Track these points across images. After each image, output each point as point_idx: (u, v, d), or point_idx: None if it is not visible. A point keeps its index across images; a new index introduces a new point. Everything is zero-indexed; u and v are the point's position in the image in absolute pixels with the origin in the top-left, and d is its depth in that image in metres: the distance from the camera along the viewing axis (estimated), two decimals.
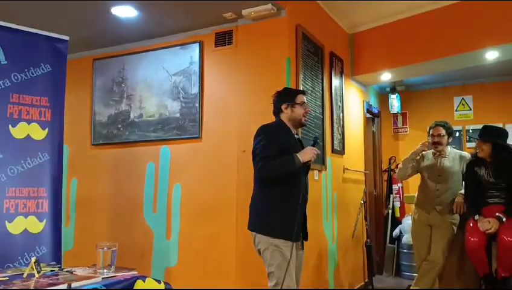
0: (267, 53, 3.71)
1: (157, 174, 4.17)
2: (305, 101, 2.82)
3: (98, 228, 4.40)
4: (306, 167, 2.66)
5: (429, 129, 3.93)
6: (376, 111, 5.94)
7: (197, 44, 4.02)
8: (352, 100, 5.09)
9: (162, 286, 2.09)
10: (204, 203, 3.87)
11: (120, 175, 4.39)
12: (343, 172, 4.68)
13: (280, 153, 2.58)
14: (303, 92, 2.86)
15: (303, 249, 2.78)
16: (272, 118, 2.84)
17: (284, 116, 2.78)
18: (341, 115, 4.64)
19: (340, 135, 4.58)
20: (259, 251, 2.66)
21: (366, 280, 5.12)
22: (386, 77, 5.19)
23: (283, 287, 2.52)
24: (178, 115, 4.06)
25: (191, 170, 3.98)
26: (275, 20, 3.69)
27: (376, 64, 4.96)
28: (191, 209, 3.96)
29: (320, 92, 4.16)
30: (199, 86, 3.98)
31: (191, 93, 4.02)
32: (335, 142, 4.42)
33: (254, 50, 3.78)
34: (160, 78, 4.19)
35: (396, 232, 5.75)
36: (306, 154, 2.59)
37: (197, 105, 3.97)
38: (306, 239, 2.80)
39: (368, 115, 5.66)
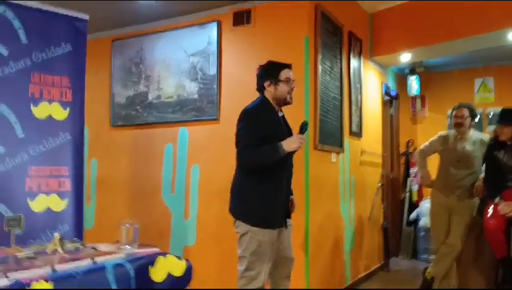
0: (285, 32, 3.67)
1: (176, 156, 4.19)
2: (291, 77, 2.61)
3: (118, 208, 4.46)
4: (292, 152, 2.52)
5: (452, 110, 3.87)
6: (394, 93, 5.86)
7: (215, 23, 3.99)
8: (371, 82, 5.02)
9: (183, 262, 2.12)
10: (221, 184, 3.87)
11: (139, 156, 4.43)
12: (361, 155, 4.65)
13: (263, 139, 2.45)
14: (288, 66, 2.65)
15: (287, 226, 2.66)
16: None
17: (267, 94, 2.61)
18: (359, 96, 4.59)
19: (358, 117, 4.54)
20: (237, 233, 2.59)
21: (382, 262, 5.13)
22: (405, 58, 5.09)
23: (254, 272, 2.49)
24: (196, 96, 4.06)
25: (209, 151, 4.00)
26: None
27: (395, 44, 4.87)
28: (208, 190, 3.98)
29: (339, 72, 4.11)
30: (217, 66, 3.96)
31: (209, 74, 4.01)
32: (353, 124, 4.38)
33: (272, 29, 3.74)
34: (178, 58, 4.18)
35: (413, 215, 5.72)
36: (291, 143, 2.45)
37: (215, 86, 3.96)
38: (289, 217, 2.69)
39: (386, 97, 5.58)
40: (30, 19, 2.93)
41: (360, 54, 4.58)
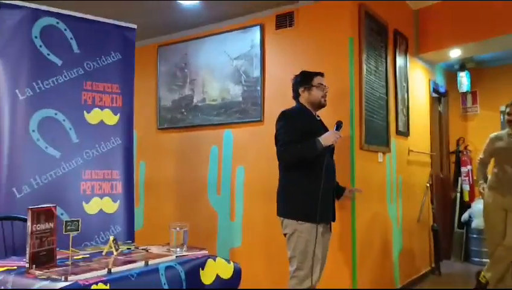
0: (329, 34, 3.65)
1: (221, 157, 4.25)
2: (324, 83, 2.81)
3: (165, 209, 4.58)
4: (330, 149, 2.66)
5: (506, 107, 3.72)
6: (443, 90, 5.68)
7: (258, 27, 4.02)
8: (418, 79, 4.90)
9: (232, 265, 2.15)
10: (266, 185, 3.89)
11: (185, 158, 4.53)
12: (408, 154, 4.54)
13: (302, 137, 2.59)
14: (321, 74, 2.85)
15: (330, 231, 2.80)
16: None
17: (302, 100, 2.82)
18: (406, 95, 4.49)
19: (404, 116, 4.44)
20: (285, 235, 2.71)
21: (433, 265, 4.98)
22: (454, 53, 4.93)
23: (305, 272, 2.57)
24: (240, 98, 4.10)
25: (254, 152, 4.02)
26: None
27: (443, 40, 4.72)
28: (253, 191, 4.01)
29: (384, 72, 4.03)
30: (260, 69, 3.98)
31: (252, 76, 4.04)
32: (399, 123, 4.29)
33: (316, 31, 3.73)
34: (222, 62, 4.24)
35: (465, 216, 5.53)
36: (328, 138, 2.59)
37: (259, 88, 3.99)
38: (333, 220, 2.81)
39: (435, 95, 5.42)
40: (81, 29, 3.05)
41: (406, 51, 4.47)
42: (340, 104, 3.49)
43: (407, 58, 4.51)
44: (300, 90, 2.82)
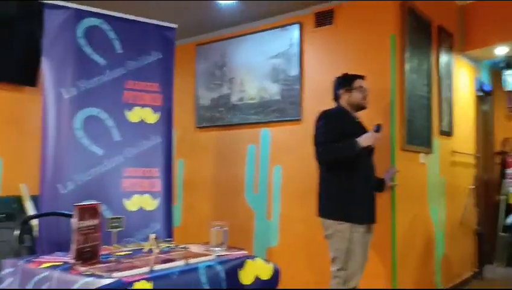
0: (369, 31, 3.57)
1: (258, 156, 4.24)
2: (364, 85, 2.81)
3: (203, 206, 4.61)
4: (369, 150, 2.68)
5: None
6: (489, 89, 5.46)
7: (297, 25, 3.98)
8: (462, 77, 4.73)
9: (271, 266, 2.13)
10: (304, 185, 3.86)
11: (222, 157, 4.55)
12: (452, 155, 4.39)
13: (340, 138, 2.60)
14: (361, 77, 2.85)
15: (371, 232, 2.78)
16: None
17: (342, 102, 2.83)
18: (449, 93, 4.34)
19: (448, 115, 4.29)
20: (326, 235, 2.71)
21: (476, 270, 4.81)
22: (501, 51, 4.74)
23: (348, 272, 2.58)
24: (278, 97, 4.08)
25: (291, 151, 3.99)
26: None
27: (490, 37, 4.54)
28: (291, 190, 3.98)
29: (427, 70, 3.91)
30: (299, 67, 3.94)
31: (290, 75, 4.00)
32: (443, 123, 4.15)
33: (356, 29, 3.65)
34: (260, 61, 4.22)
35: (509, 220, 5.30)
36: (366, 140, 2.60)
37: (297, 87, 3.95)
38: (374, 221, 2.79)
39: (480, 93, 5.22)
40: (124, 29, 3.11)
41: (450, 49, 4.33)
42: (380, 103, 3.41)
43: (452, 56, 4.36)
44: (341, 91, 2.84)
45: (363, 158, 2.63)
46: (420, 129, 3.76)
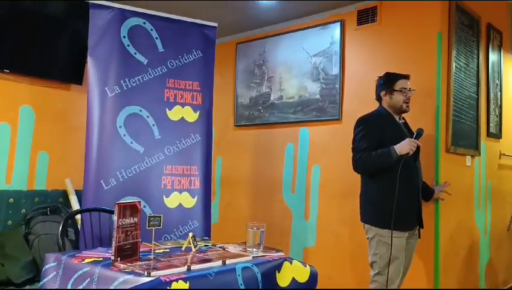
0: (414, 29, 3.45)
1: (296, 156, 4.21)
2: (407, 86, 2.69)
3: (240, 204, 4.63)
4: (408, 157, 2.54)
5: None
6: None
7: (338, 23, 3.91)
8: None
9: (308, 269, 2.10)
10: (343, 186, 3.79)
11: (260, 155, 4.54)
12: (500, 158, 4.20)
13: (379, 144, 2.53)
14: (405, 77, 2.73)
15: (419, 237, 2.72)
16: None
17: (384, 103, 2.74)
18: (499, 94, 4.15)
19: (497, 116, 4.11)
20: (367, 238, 2.66)
21: None
22: None
23: (386, 277, 2.51)
24: (318, 96, 4.03)
25: (330, 152, 3.93)
26: None
27: None
28: (330, 191, 3.92)
29: (475, 69, 3.75)
30: (340, 66, 3.87)
31: (331, 74, 3.94)
32: (491, 124, 3.98)
33: (400, 26, 3.55)
34: (300, 59, 4.18)
35: None
36: (404, 147, 2.50)
37: (338, 86, 3.88)
38: (421, 226, 2.73)
39: None
40: (165, 29, 3.15)
41: (500, 47, 4.14)
42: (425, 103, 3.29)
43: (501, 55, 4.17)
44: (382, 93, 2.74)
45: (406, 162, 2.52)
46: (467, 130, 3.61)
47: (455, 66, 3.42)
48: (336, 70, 3.90)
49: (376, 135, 2.59)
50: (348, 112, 3.83)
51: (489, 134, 3.94)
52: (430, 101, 3.29)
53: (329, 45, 3.96)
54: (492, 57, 4.00)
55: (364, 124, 2.67)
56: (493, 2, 4.11)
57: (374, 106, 3.67)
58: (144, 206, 2.97)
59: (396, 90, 2.68)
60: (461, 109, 3.52)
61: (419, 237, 2.76)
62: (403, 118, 2.80)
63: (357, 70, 3.81)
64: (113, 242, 1.75)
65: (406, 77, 2.73)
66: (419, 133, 2.60)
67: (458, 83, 3.48)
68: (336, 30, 3.92)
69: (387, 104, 2.73)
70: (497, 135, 4.11)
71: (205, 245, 2.25)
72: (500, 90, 4.16)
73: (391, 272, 2.52)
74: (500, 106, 4.16)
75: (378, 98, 2.79)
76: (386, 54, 3.60)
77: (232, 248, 2.15)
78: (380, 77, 2.81)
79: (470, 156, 3.66)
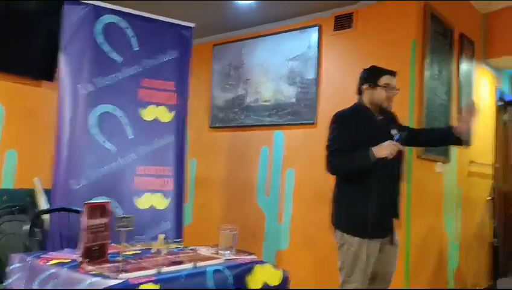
0: (390, 36, 3.50)
1: (271, 159, 4.21)
2: (392, 84, 2.49)
3: (214, 206, 4.60)
4: (386, 161, 2.32)
5: None
6: (510, 98, 5.34)
7: (316, 28, 3.94)
8: (483, 86, 4.63)
9: (279, 272, 2.09)
10: (317, 189, 3.81)
11: (235, 157, 4.52)
12: (469, 165, 4.30)
13: (355, 143, 2.35)
14: (391, 73, 2.52)
15: (393, 244, 2.53)
16: None
17: (364, 97, 2.53)
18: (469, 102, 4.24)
19: None
20: (337, 244, 2.54)
21: (490, 283, 4.70)
22: None
23: (354, 286, 2.41)
24: (293, 100, 4.04)
25: (305, 155, 3.95)
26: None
27: None
28: (303, 194, 3.94)
29: (448, 77, 3.83)
30: (316, 70, 3.90)
31: (307, 78, 3.96)
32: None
33: (376, 33, 3.60)
34: (276, 62, 4.19)
35: None
36: (382, 150, 2.30)
37: (314, 90, 3.90)
38: (387, 236, 2.53)
39: (500, 103, 5.11)
40: (141, 27, 3.11)
41: (471, 56, 4.23)
42: (398, 110, 3.31)
43: (473, 64, 4.27)
44: (365, 86, 2.53)
45: (383, 167, 2.33)
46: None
47: (428, 74, 3.49)
48: (312, 74, 3.92)
49: (352, 134, 2.41)
50: (323, 116, 3.85)
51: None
52: (404, 107, 3.34)
53: (306, 49, 3.98)
54: (464, 66, 4.09)
55: (340, 122, 2.49)
56: (466, 13, 4.21)
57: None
58: (116, 207, 2.92)
59: (380, 86, 2.48)
60: (433, 116, 3.59)
61: (391, 243, 2.55)
62: (381, 115, 2.56)
63: (333, 75, 3.84)
64: (81, 243, 1.71)
65: (393, 74, 2.54)
66: (400, 136, 2.39)
67: (431, 90, 3.55)
68: (313, 35, 3.95)
69: (367, 99, 2.53)
70: (467, 142, 4.19)
71: (176, 247, 2.22)
72: (471, 99, 4.26)
73: (356, 279, 2.42)
74: None
75: (359, 91, 2.58)
76: (362, 60, 3.64)
77: (203, 251, 2.12)
78: (365, 69, 2.61)
79: (440, 163, 3.74)
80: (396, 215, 2.58)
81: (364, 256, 2.41)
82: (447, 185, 3.88)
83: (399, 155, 2.45)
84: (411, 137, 2.55)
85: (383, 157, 2.31)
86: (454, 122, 3.91)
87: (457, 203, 4.08)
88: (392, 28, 3.50)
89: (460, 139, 2.57)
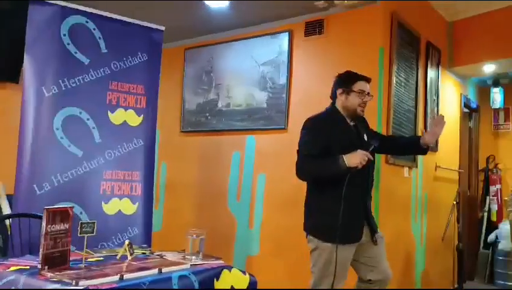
0: (359, 43, 3.56)
1: (242, 164, 4.20)
2: (366, 89, 2.49)
3: (184, 211, 4.55)
4: (357, 169, 2.30)
5: None
6: (475, 105, 5.50)
7: (286, 33, 3.96)
8: (449, 93, 4.75)
9: (247, 277, 2.08)
10: (288, 194, 3.82)
11: (206, 162, 4.49)
12: (435, 170, 4.40)
13: (326, 149, 2.35)
14: (366, 79, 2.53)
15: (376, 243, 2.52)
16: None
17: (338, 103, 2.53)
18: (435, 109, 4.35)
19: None
20: (309, 248, 2.54)
21: (456, 286, 4.80)
22: (488, 68, 4.77)
23: (320, 287, 2.43)
24: (265, 105, 4.05)
25: (276, 160, 3.96)
26: (368, 8, 3.52)
27: (478, 54, 4.57)
28: (274, 199, 3.94)
29: (414, 84, 3.92)
30: (287, 76, 3.92)
31: (278, 83, 3.98)
32: None
33: (345, 40, 3.65)
34: (248, 67, 4.19)
35: (491, 237, 5.32)
36: (353, 158, 2.28)
37: (284, 96, 3.92)
38: (376, 231, 2.55)
39: (465, 110, 5.25)
40: (110, 29, 3.05)
41: (438, 64, 4.34)
42: (367, 115, 3.35)
43: (439, 71, 4.38)
44: (339, 91, 2.52)
45: (355, 175, 2.31)
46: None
47: (395, 81, 3.56)
48: (283, 79, 3.95)
49: (323, 139, 2.39)
50: (294, 121, 3.87)
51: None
52: (372, 113, 3.39)
53: (277, 55, 4.00)
54: (431, 73, 4.19)
55: (312, 126, 2.47)
56: (433, 22, 4.32)
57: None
58: (80, 213, 2.85)
59: (354, 91, 2.47)
60: (401, 122, 3.66)
61: (375, 243, 2.53)
62: (354, 121, 2.58)
63: (303, 80, 3.87)
64: (41, 249, 1.66)
65: (367, 80, 2.54)
66: (374, 147, 2.40)
67: (398, 97, 3.62)
68: (284, 40, 3.97)
69: (341, 104, 2.52)
70: (433, 148, 4.30)
71: (142, 253, 2.18)
72: (437, 106, 4.36)
73: (326, 285, 2.42)
74: None
75: (333, 96, 2.57)
76: (332, 66, 3.67)
77: (170, 256, 2.09)
78: (339, 74, 2.61)
79: (407, 168, 3.81)
80: (370, 217, 2.58)
81: (339, 261, 2.39)
82: (413, 189, 3.96)
83: (372, 162, 2.48)
84: (380, 144, 2.57)
85: (354, 167, 2.29)
86: (420, 128, 4.01)
87: (424, 207, 4.16)
88: (361, 35, 3.55)
89: (427, 150, 2.64)
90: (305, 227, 2.58)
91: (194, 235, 2.06)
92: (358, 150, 2.33)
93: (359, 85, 2.50)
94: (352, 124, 2.57)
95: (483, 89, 5.77)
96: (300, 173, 2.45)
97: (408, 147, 2.78)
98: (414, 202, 3.97)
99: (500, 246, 5.13)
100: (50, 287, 1.51)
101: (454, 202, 4.74)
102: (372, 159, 2.38)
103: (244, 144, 4.20)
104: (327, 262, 2.41)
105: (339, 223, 2.33)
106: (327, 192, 2.46)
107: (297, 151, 2.49)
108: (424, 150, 2.65)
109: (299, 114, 3.84)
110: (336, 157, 2.31)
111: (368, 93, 2.53)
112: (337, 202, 2.35)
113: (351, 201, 2.38)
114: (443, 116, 2.65)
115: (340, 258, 2.38)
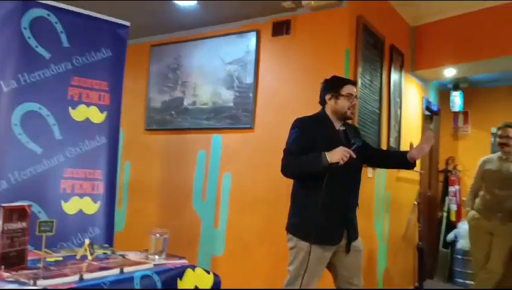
0: (325, 44, 3.60)
1: (208, 163, 4.17)
2: (353, 92, 2.54)
3: (148, 211, 4.48)
4: (338, 166, 2.30)
5: (497, 130, 3.71)
6: (435, 108, 5.67)
7: (254, 33, 3.97)
8: (411, 96, 4.88)
9: (211, 276, 2.07)
10: (254, 194, 3.83)
11: (171, 161, 4.44)
12: (397, 171, 4.50)
13: (311, 149, 2.38)
14: (352, 83, 2.59)
15: (347, 251, 2.52)
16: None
17: (328, 108, 2.58)
18: (398, 111, 4.45)
19: (396, 132, 4.40)
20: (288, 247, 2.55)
21: (416, 284, 4.93)
22: (449, 72, 4.93)
23: (294, 285, 2.44)
24: (231, 104, 4.04)
25: (242, 160, 3.95)
26: (335, 10, 3.57)
27: (439, 59, 4.71)
28: (240, 199, 3.93)
29: (379, 86, 4.00)
30: (254, 75, 3.92)
31: (245, 82, 3.98)
32: (391, 139, 4.25)
33: (312, 41, 3.68)
34: (215, 66, 4.17)
35: (450, 236, 5.50)
36: (334, 154, 2.29)
37: (251, 95, 3.92)
38: (352, 240, 2.55)
39: (427, 113, 5.41)
40: (72, 23, 2.96)
41: (401, 67, 4.45)
42: None
43: (402, 74, 4.49)
44: (327, 97, 2.56)
45: (336, 172, 2.31)
46: (370, 144, 3.81)
47: (361, 82, 3.62)
48: (250, 79, 3.94)
49: (309, 138, 2.44)
50: (260, 121, 3.88)
51: (389, 148, 4.21)
52: None
53: (244, 54, 4.00)
54: (394, 76, 4.29)
55: (299, 126, 2.51)
56: (396, 26, 4.43)
57: (286, 116, 3.74)
58: (39, 212, 2.75)
59: (343, 95, 2.51)
60: (365, 123, 3.72)
61: (347, 252, 2.52)
62: (344, 125, 2.62)
63: (270, 80, 3.88)
64: None
65: (353, 83, 2.60)
66: (356, 146, 2.41)
67: (363, 98, 3.68)
68: (251, 39, 3.97)
69: (331, 109, 2.56)
70: (397, 149, 4.40)
71: (104, 253, 2.13)
72: (400, 108, 4.47)
73: (303, 285, 2.42)
74: (400, 122, 4.47)
75: (323, 102, 2.61)
76: (298, 66, 3.72)
77: (132, 256, 2.05)
78: (326, 80, 2.65)
79: (371, 168, 3.88)
80: (350, 224, 2.56)
81: (316, 260, 2.41)
82: (377, 189, 4.03)
83: (359, 165, 2.54)
84: (370, 155, 2.65)
85: (335, 163, 2.29)
86: (384, 129, 4.09)
87: (386, 207, 4.25)
88: (327, 37, 3.60)
89: (414, 165, 2.65)
90: (286, 225, 2.58)
91: (157, 235, 2.02)
92: (340, 147, 2.34)
93: (347, 89, 2.55)
94: (341, 129, 2.61)
95: (444, 93, 5.96)
96: (285, 170, 2.46)
97: (396, 161, 2.78)
98: (377, 201, 4.05)
99: (459, 246, 5.30)
100: (7, 288, 1.45)
101: (416, 202, 4.89)
102: (354, 156, 2.36)
103: (210, 143, 4.18)
104: (303, 261, 2.41)
105: (315, 222, 2.33)
106: (309, 191, 2.46)
107: (284, 149, 2.52)
108: (411, 165, 2.64)
109: (266, 114, 3.86)
110: (318, 153, 2.33)
111: (356, 96, 2.59)
112: (316, 201, 2.35)
113: (331, 201, 2.39)
114: (433, 134, 2.67)
115: (314, 258, 2.38)
